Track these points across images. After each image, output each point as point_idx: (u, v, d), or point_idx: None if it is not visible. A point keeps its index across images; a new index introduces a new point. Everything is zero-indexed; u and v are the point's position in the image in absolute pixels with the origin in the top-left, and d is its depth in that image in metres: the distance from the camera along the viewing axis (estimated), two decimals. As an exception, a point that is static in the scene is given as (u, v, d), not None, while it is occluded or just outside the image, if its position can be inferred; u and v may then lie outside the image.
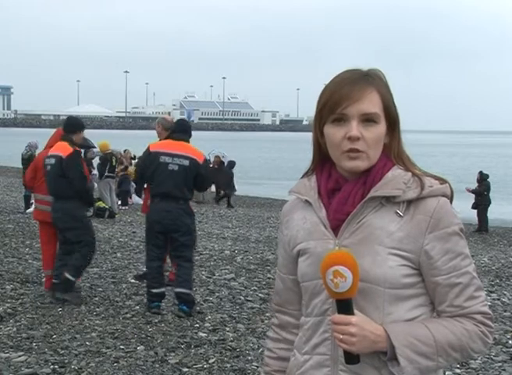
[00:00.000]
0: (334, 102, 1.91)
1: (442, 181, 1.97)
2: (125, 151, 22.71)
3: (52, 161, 7.60)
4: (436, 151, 75.22)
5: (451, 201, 1.96)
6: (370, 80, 1.94)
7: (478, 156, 65.46)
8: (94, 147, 11.54)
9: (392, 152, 1.98)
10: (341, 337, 1.83)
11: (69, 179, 7.51)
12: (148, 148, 7.55)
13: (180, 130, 7.59)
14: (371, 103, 1.91)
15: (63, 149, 7.58)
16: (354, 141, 1.89)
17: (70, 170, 7.51)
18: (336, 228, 1.95)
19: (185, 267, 7.31)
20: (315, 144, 2.02)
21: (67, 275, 7.55)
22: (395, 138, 1.98)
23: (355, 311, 1.85)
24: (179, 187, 7.23)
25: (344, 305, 1.84)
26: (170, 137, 7.53)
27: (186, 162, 7.28)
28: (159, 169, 7.24)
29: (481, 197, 18.82)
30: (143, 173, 7.52)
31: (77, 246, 7.63)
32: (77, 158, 7.69)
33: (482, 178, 19.15)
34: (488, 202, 19.01)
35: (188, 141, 7.51)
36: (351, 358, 1.86)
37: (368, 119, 1.91)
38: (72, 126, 7.86)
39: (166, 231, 7.24)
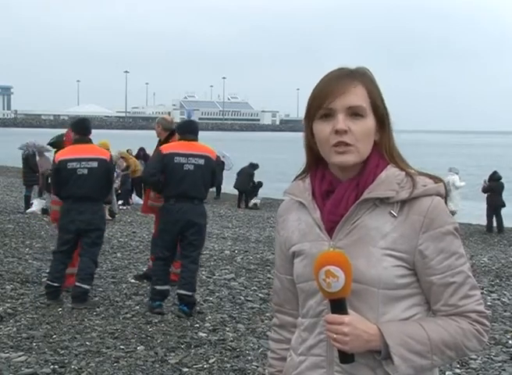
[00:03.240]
0: (320, 98, 1.93)
1: (437, 180, 1.97)
2: (127, 150, 22.69)
3: (94, 164, 7.56)
4: (444, 152, 75.01)
5: (445, 201, 1.96)
6: (355, 75, 1.96)
7: (490, 156, 64.91)
8: None
9: (384, 149, 1.98)
10: (334, 336, 1.84)
11: (109, 182, 7.69)
12: (160, 151, 7.51)
13: (190, 130, 7.60)
14: (356, 96, 1.92)
15: (102, 152, 7.75)
16: (342, 134, 1.90)
17: (112, 174, 7.76)
18: (330, 230, 1.96)
19: (190, 269, 7.30)
20: (307, 146, 2.03)
21: (85, 286, 7.57)
22: (385, 135, 1.98)
23: (349, 310, 1.86)
24: (195, 186, 7.25)
25: (337, 305, 1.85)
26: (182, 138, 7.52)
27: (202, 161, 7.31)
28: (174, 171, 7.23)
29: (490, 197, 18.57)
30: (155, 174, 7.40)
31: (93, 247, 7.63)
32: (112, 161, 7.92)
33: (491, 178, 18.94)
34: (499, 203, 18.54)
35: (198, 140, 7.56)
36: (345, 357, 1.87)
37: (354, 113, 1.91)
38: (89, 128, 7.90)
39: (180, 231, 7.23)
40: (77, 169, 7.54)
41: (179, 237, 7.31)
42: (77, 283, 7.56)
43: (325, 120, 1.93)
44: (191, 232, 7.24)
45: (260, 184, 23.94)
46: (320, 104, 1.93)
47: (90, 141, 7.78)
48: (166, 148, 7.46)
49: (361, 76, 1.96)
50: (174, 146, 7.52)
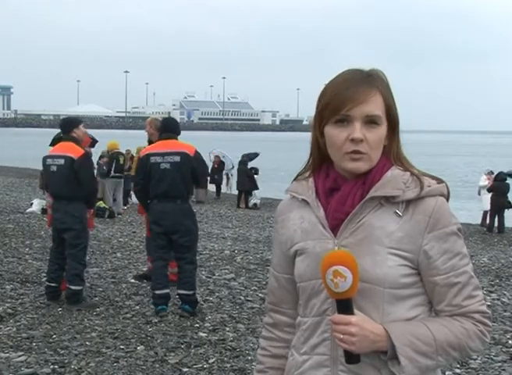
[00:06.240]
0: (338, 103, 1.90)
1: (439, 181, 1.97)
2: (126, 151, 22.66)
3: (61, 161, 7.52)
4: (456, 152, 74.57)
5: (447, 201, 1.97)
6: (373, 81, 1.93)
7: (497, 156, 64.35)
8: (97, 141, 11.44)
9: (392, 154, 1.98)
10: (341, 336, 1.83)
11: (80, 180, 7.46)
12: (140, 155, 7.61)
13: (167, 129, 7.55)
14: (375, 106, 1.91)
15: (73, 150, 7.53)
16: (357, 142, 1.89)
17: (82, 172, 7.48)
18: (334, 228, 1.95)
19: (187, 270, 7.28)
20: (314, 145, 2.02)
21: (74, 287, 7.54)
22: (394, 140, 1.99)
23: (355, 310, 1.85)
24: (174, 185, 7.19)
25: (344, 305, 1.84)
26: (160, 138, 7.51)
27: (178, 158, 7.25)
28: (152, 171, 7.23)
29: (494, 197, 18.36)
30: (140, 178, 7.41)
31: (73, 249, 7.56)
32: (89, 159, 7.70)
33: (496, 178, 18.72)
34: (502, 203, 18.26)
35: (177, 139, 7.49)
36: (351, 357, 1.86)
37: (370, 121, 1.91)
38: (68, 125, 7.79)
39: (166, 232, 7.24)
40: (50, 166, 7.62)
41: (169, 237, 7.27)
42: (67, 285, 7.59)
43: (341, 126, 1.91)
44: (179, 235, 7.21)
45: (256, 171, 24.10)
46: (337, 109, 1.91)
47: (71, 139, 7.64)
48: (144, 151, 7.58)
49: (379, 83, 1.94)
50: (151, 147, 7.56)
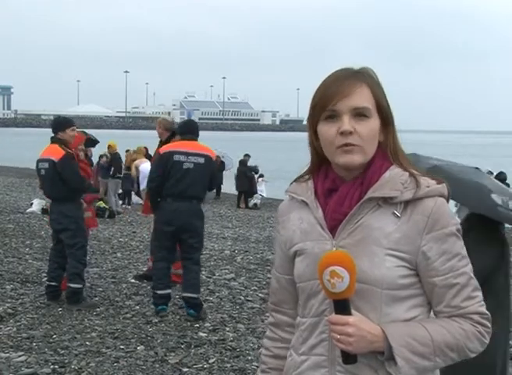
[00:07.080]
0: (325, 99, 1.92)
1: (439, 181, 1.96)
2: (127, 151, 22.68)
3: (46, 165, 7.61)
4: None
5: (448, 201, 1.96)
6: (360, 76, 1.95)
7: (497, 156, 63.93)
8: (98, 142, 11.39)
9: (389, 150, 1.97)
10: (338, 337, 1.84)
11: (65, 181, 7.50)
12: (159, 153, 7.44)
13: (190, 130, 7.53)
14: (362, 98, 1.91)
15: (54, 152, 7.57)
16: (347, 135, 1.89)
17: (65, 172, 7.51)
18: (332, 229, 1.95)
19: (193, 271, 7.23)
20: (311, 146, 2.02)
21: (73, 285, 7.56)
22: (390, 135, 1.98)
23: (352, 311, 1.86)
24: (195, 185, 7.17)
25: (341, 306, 1.85)
26: (182, 139, 7.47)
27: (202, 160, 7.24)
28: (174, 169, 7.14)
29: None
30: (157, 174, 7.24)
31: (71, 249, 7.58)
32: (69, 159, 7.61)
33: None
34: None
35: (197, 141, 7.51)
36: (349, 358, 1.86)
37: (359, 114, 1.91)
38: (56, 127, 7.78)
39: (176, 232, 7.18)
40: (40, 170, 7.73)
41: (176, 238, 7.24)
42: (67, 284, 7.62)
43: (330, 121, 1.92)
44: (190, 235, 7.17)
45: (255, 169, 24.20)
46: (324, 105, 1.92)
47: (56, 140, 7.66)
48: (164, 148, 7.42)
49: (366, 77, 1.95)
50: (173, 145, 7.48)
